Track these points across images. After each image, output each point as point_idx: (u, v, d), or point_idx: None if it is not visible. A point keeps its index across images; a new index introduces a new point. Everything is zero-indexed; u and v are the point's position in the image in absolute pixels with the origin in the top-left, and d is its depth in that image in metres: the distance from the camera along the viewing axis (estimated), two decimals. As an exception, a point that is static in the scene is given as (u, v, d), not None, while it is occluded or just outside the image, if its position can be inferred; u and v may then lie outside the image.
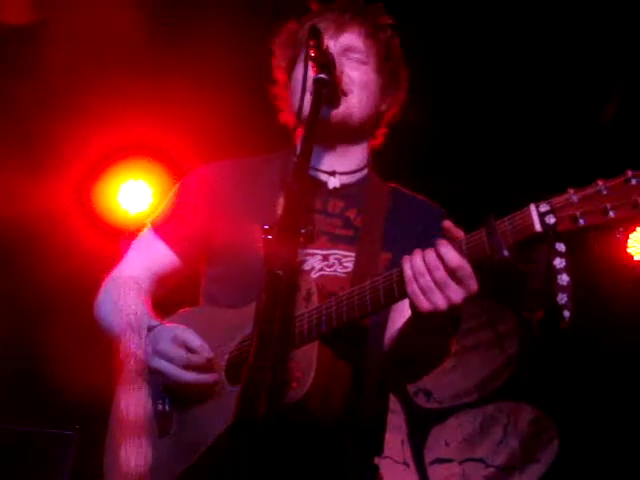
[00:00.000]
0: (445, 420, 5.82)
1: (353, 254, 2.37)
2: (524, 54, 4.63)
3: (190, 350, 2.19)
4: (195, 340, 2.20)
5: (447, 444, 5.76)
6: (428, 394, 5.84)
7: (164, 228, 2.56)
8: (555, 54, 4.60)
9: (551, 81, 4.76)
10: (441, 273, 1.91)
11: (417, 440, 5.75)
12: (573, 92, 4.80)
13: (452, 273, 1.90)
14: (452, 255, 1.91)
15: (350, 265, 2.36)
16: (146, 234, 2.60)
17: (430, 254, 1.93)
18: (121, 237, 4.97)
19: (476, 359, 5.83)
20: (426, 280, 1.92)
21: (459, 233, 1.95)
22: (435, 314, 1.94)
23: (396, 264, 2.04)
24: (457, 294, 1.92)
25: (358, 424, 2.24)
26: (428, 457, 5.72)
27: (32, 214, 5.00)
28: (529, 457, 5.68)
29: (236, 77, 4.63)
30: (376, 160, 2.65)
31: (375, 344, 2.34)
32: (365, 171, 2.57)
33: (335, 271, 2.35)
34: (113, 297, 2.47)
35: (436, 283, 1.92)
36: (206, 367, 2.19)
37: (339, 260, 2.36)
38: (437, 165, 5.15)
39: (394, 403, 5.63)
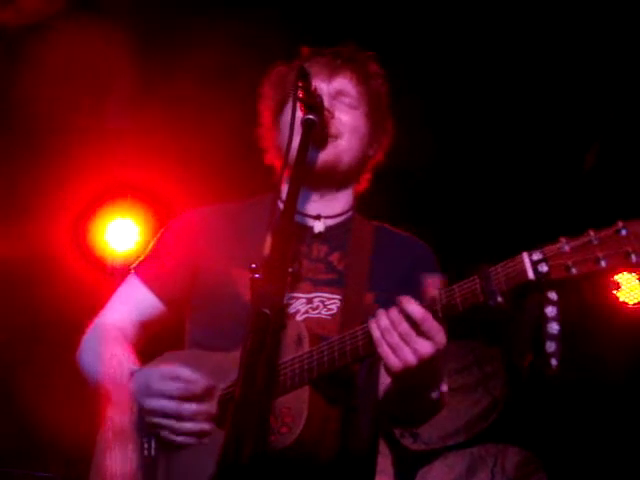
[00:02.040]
0: (432, 462, 5.77)
1: (337, 296, 2.38)
2: (511, 101, 4.70)
3: (183, 381, 2.16)
4: (185, 371, 2.17)
5: (434, 486, 5.71)
6: (415, 435, 5.80)
7: (148, 273, 2.55)
8: (541, 102, 4.68)
9: (535, 127, 4.83)
10: (404, 326, 1.92)
11: (404, 482, 5.70)
12: (556, 139, 4.87)
13: (416, 326, 1.92)
14: (413, 308, 1.93)
15: (334, 307, 2.36)
16: (130, 280, 2.58)
17: (393, 310, 1.95)
18: (108, 274, 5.00)
19: (463, 400, 5.81)
20: (392, 336, 1.94)
21: (434, 290, 1.97)
22: (409, 372, 1.94)
23: (381, 303, 2.03)
24: (424, 347, 1.92)
25: (349, 466, 2.23)
26: (415, 500, 5.67)
27: (25, 253, 5.01)
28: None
29: (222, 119, 4.67)
30: (368, 203, 2.67)
31: (364, 386, 2.35)
32: (350, 213, 2.59)
33: (320, 313, 2.36)
34: (95, 346, 2.45)
35: (401, 337, 1.93)
36: (203, 396, 2.16)
37: (323, 302, 2.37)
38: (424, 211, 5.19)
39: (381, 445, 5.58)
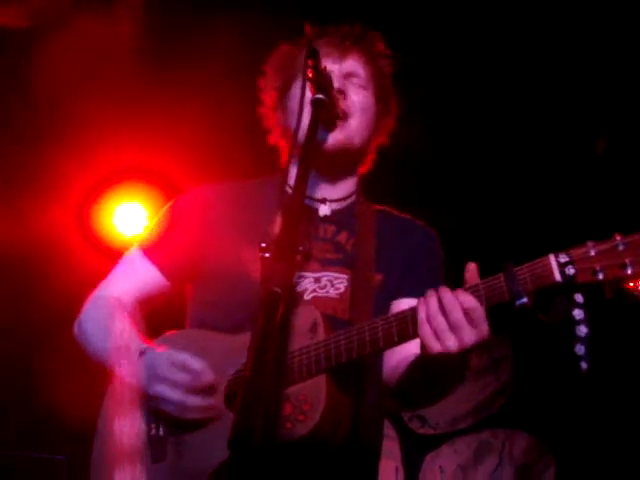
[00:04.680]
0: (439, 446, 5.78)
1: (345, 276, 2.38)
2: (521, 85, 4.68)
3: (192, 373, 2.15)
4: (196, 363, 2.16)
5: (442, 471, 5.71)
6: (422, 420, 5.80)
7: (154, 250, 2.52)
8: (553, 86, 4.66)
9: (546, 113, 4.81)
10: (457, 315, 1.92)
11: (411, 467, 5.70)
12: (567, 125, 4.84)
13: (467, 315, 1.92)
14: (468, 297, 1.93)
15: (342, 287, 2.37)
16: (134, 254, 2.56)
17: (446, 296, 1.95)
18: (115, 259, 4.99)
19: (471, 385, 5.80)
20: (439, 322, 1.93)
21: (474, 279, 1.97)
22: (445, 356, 1.94)
23: (388, 285, 2.01)
24: (469, 337, 1.92)
25: (358, 453, 2.24)
26: (422, 484, 5.68)
27: (31, 237, 5.00)
28: (525, 485, 5.64)
29: (230, 99, 4.65)
30: (372, 188, 2.66)
31: (373, 374, 2.35)
32: (354, 197, 2.59)
33: (327, 292, 2.36)
34: (98, 317, 2.44)
35: (450, 324, 1.93)
36: (209, 391, 2.15)
37: (331, 282, 2.37)
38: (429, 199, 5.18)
39: (388, 429, 5.59)
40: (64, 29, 4.41)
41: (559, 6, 4.27)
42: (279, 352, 1.74)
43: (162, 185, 5.32)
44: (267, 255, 1.82)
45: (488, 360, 5.90)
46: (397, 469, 5.67)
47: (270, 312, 1.68)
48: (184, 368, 2.15)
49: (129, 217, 5.44)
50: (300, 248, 1.83)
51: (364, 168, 2.65)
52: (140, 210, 5.45)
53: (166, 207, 2.61)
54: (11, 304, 5.27)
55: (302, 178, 2.02)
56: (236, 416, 1.67)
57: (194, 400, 2.14)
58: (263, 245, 1.83)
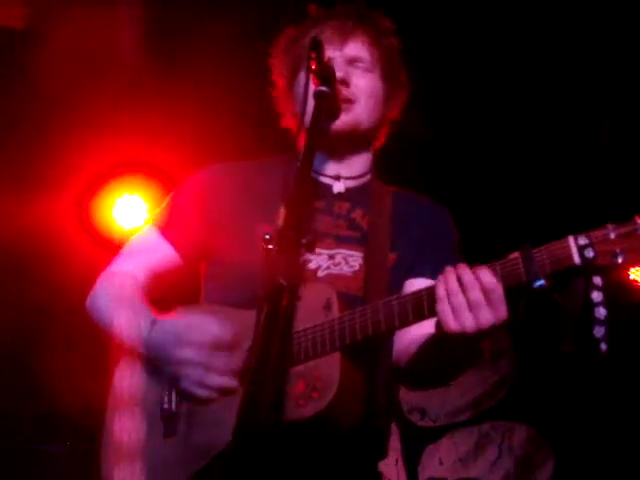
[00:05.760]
0: (439, 439, 5.79)
1: (359, 254, 2.38)
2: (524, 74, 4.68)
3: (215, 332, 2.13)
4: (215, 321, 2.14)
5: (441, 463, 5.72)
6: (422, 412, 5.81)
7: (169, 228, 2.51)
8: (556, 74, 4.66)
9: (548, 103, 4.81)
10: (476, 293, 1.91)
11: (411, 459, 5.71)
12: (570, 115, 4.84)
13: (486, 294, 1.90)
14: (488, 276, 1.91)
15: (356, 264, 2.36)
16: (149, 233, 2.55)
17: (465, 273, 1.93)
18: (115, 252, 4.98)
19: (471, 377, 5.81)
20: (458, 299, 1.92)
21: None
22: (460, 336, 1.93)
23: (402, 264, 1.98)
24: (487, 317, 1.91)
25: (369, 432, 2.23)
26: (422, 476, 5.68)
27: (30, 229, 4.99)
28: (524, 477, 5.64)
29: (231, 88, 4.65)
30: (387, 173, 2.66)
31: (385, 354, 2.35)
32: (369, 176, 2.59)
33: (342, 270, 2.36)
34: (110, 290, 2.44)
35: (468, 303, 1.91)
36: (233, 348, 2.12)
37: (345, 259, 2.37)
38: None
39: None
40: (64, 27, 4.40)
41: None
42: (285, 342, 1.74)
43: (161, 178, 5.31)
44: (270, 247, 1.82)
45: (489, 353, 5.90)
46: (397, 461, 5.68)
47: (274, 304, 1.69)
48: (205, 328, 2.13)
49: (129, 210, 5.43)
50: (304, 240, 1.83)
51: (379, 143, 2.64)
52: (140, 203, 5.44)
53: (179, 187, 2.60)
54: (10, 296, 5.26)
55: (306, 168, 2.02)
56: (241, 409, 1.67)
57: (220, 359, 2.11)
58: (267, 237, 1.83)
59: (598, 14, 4.32)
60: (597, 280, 1.85)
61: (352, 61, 2.48)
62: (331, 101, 2.27)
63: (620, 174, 4.72)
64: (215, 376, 2.13)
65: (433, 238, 2.46)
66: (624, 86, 4.65)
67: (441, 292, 1.95)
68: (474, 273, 1.92)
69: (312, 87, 2.21)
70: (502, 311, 1.92)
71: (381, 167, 2.67)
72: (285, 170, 2.23)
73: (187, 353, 2.14)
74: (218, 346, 2.12)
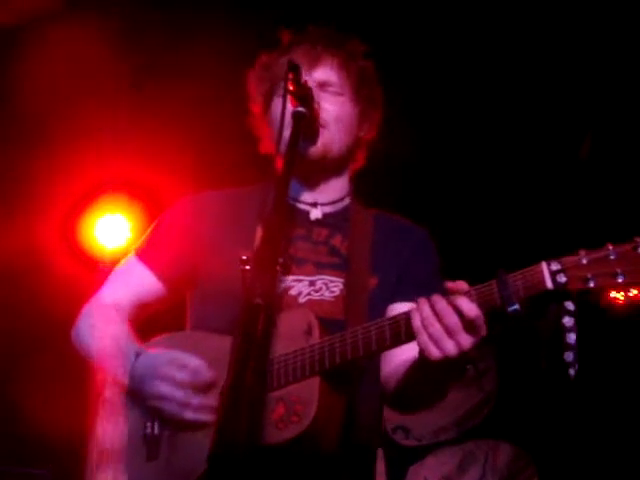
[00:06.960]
0: (424, 458, 5.77)
1: (340, 279, 2.38)
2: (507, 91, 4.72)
3: (193, 372, 2.15)
4: (196, 361, 2.17)
5: (426, 482, 5.71)
6: (407, 431, 5.80)
7: (148, 254, 2.53)
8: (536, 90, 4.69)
9: (530, 118, 4.84)
10: (452, 319, 1.91)
11: (395, 478, 5.69)
12: (550, 130, 4.87)
13: (462, 318, 1.91)
14: (461, 300, 1.92)
15: (337, 290, 2.37)
16: (130, 260, 2.57)
17: (438, 301, 1.94)
18: (98, 271, 4.98)
19: (455, 396, 5.81)
20: (435, 327, 1.93)
21: (462, 285, 1.97)
22: (444, 362, 1.94)
23: (383, 287, 1.98)
24: (467, 339, 1.92)
25: (350, 457, 2.24)
26: (407, 496, 5.67)
27: (13, 249, 4.98)
28: (508, 496, 5.64)
29: (215, 108, 4.66)
30: (367, 194, 2.67)
31: (370, 377, 2.35)
32: (347, 200, 2.59)
33: (322, 295, 2.36)
34: (92, 321, 2.45)
35: (446, 329, 1.92)
36: (209, 389, 2.15)
37: (326, 285, 2.38)
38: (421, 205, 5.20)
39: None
40: (44, 46, 4.41)
41: (541, 10, 4.31)
42: (262, 362, 1.74)
43: (144, 197, 5.32)
44: (247, 268, 1.83)
45: (473, 372, 5.91)
46: (381, 481, 5.67)
47: (251, 324, 1.69)
48: (185, 366, 2.16)
49: (111, 229, 5.44)
50: (280, 260, 1.83)
51: (356, 165, 2.64)
52: (122, 222, 5.45)
53: (160, 216, 2.62)
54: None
55: (283, 190, 2.04)
56: (215, 432, 1.67)
57: (195, 399, 2.14)
58: (243, 258, 1.83)
59: (576, 31, 4.36)
60: (569, 305, 1.88)
61: (322, 85, 2.47)
62: (309, 122, 2.29)
63: (601, 192, 4.75)
64: (189, 412, 2.15)
65: (414, 260, 2.46)
66: (603, 104, 4.69)
67: (417, 323, 1.95)
68: (447, 300, 1.93)
69: (290, 108, 2.23)
70: (482, 331, 1.93)
71: (361, 189, 2.67)
72: (263, 196, 2.24)
73: (164, 388, 2.17)
74: (194, 385, 2.15)
